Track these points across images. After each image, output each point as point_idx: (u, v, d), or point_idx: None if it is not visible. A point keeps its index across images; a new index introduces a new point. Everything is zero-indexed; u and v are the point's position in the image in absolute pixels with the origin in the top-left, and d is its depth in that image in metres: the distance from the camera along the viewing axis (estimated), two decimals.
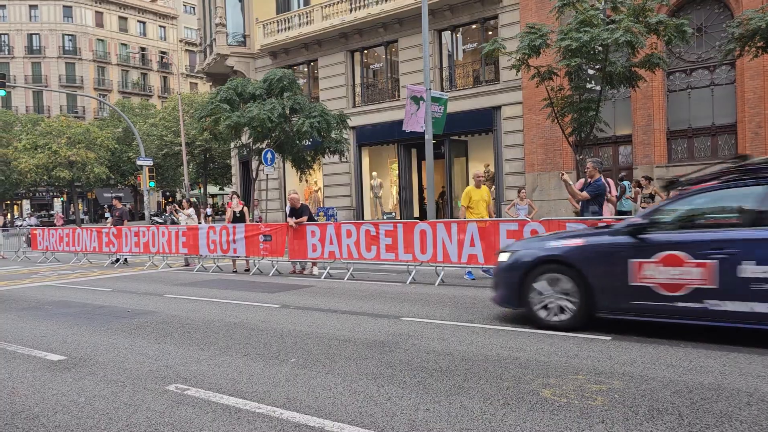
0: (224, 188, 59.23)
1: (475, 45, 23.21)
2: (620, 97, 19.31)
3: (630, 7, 14.02)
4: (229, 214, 15.47)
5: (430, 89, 16.26)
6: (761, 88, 17.24)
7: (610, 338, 6.12)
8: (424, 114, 16.37)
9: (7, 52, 63.75)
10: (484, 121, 22.53)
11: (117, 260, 17.70)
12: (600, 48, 13.66)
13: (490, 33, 22.20)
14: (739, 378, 4.68)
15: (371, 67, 27.08)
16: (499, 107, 22.11)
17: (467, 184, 24.82)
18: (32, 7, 64.56)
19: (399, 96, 24.39)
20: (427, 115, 16.19)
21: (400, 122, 17.83)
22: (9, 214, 51.04)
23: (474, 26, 23.23)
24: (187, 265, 16.33)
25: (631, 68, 14.73)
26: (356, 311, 8.32)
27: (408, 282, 11.09)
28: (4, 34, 64.05)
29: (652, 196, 12.96)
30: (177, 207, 18.63)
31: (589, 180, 10.02)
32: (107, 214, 43.80)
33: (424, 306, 8.58)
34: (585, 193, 9.93)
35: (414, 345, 6.13)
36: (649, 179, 13.72)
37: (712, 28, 18.48)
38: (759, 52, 13.91)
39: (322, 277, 12.54)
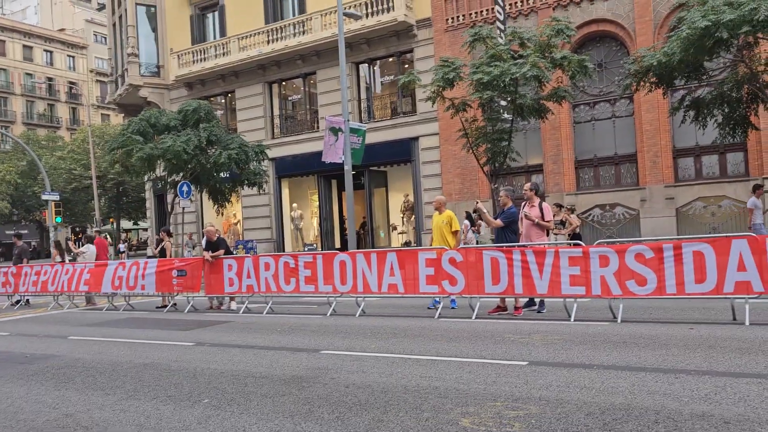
0: (138, 223, 57.01)
1: (392, 77, 23.64)
2: (531, 128, 20.11)
3: (536, 44, 14.72)
4: (165, 249, 14.64)
5: (348, 120, 16.38)
6: (656, 121, 18.42)
7: (526, 363, 6.21)
8: (342, 145, 16.44)
9: None
10: (402, 152, 22.86)
11: (18, 302, 16.56)
12: (510, 81, 14.21)
13: (407, 66, 22.69)
14: (647, 397, 4.83)
15: (290, 98, 27.03)
16: (416, 138, 22.52)
17: (388, 214, 25.07)
18: None
19: (318, 127, 24.42)
20: (346, 146, 16.27)
21: (319, 153, 17.82)
22: None
23: (391, 59, 23.69)
24: (92, 304, 15.48)
25: (539, 101, 15.41)
26: (274, 346, 8.09)
27: (329, 314, 10.94)
28: None
29: (563, 222, 13.48)
30: (72, 244, 17.38)
31: (503, 208, 10.29)
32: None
33: (344, 338, 8.45)
34: (499, 221, 10.16)
35: (333, 379, 5.99)
36: (559, 206, 14.28)
37: (611, 64, 19.65)
38: (652, 87, 14.89)
39: (241, 312, 12.18)
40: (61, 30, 71.37)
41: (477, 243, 14.38)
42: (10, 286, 16.09)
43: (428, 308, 10.81)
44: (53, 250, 16.70)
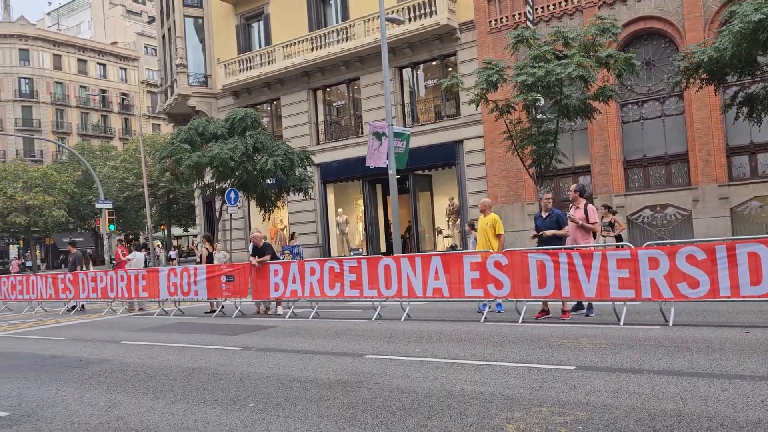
0: (188, 229, 58.38)
1: (435, 81, 23.58)
2: (577, 128, 19.75)
3: (581, 43, 14.47)
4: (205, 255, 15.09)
5: (392, 125, 16.41)
6: (708, 118, 17.82)
7: (574, 368, 6.09)
8: (386, 149, 16.49)
9: None
10: (446, 155, 22.76)
11: (74, 307, 17.14)
12: (554, 82, 14.01)
13: (450, 69, 22.60)
14: (699, 403, 4.67)
15: (334, 104, 27.25)
16: (461, 141, 22.39)
17: (433, 218, 24.99)
18: None
19: (362, 132, 24.53)
20: (390, 150, 16.30)
21: (364, 158, 17.89)
22: None
23: (434, 63, 23.64)
24: (132, 310, 15.88)
25: (585, 101, 15.13)
26: (320, 350, 8.16)
27: (373, 318, 10.96)
28: None
29: (611, 225, 13.16)
30: (123, 250, 17.62)
31: (546, 211, 10.16)
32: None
33: (388, 342, 8.45)
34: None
35: (377, 383, 6.00)
36: (608, 208, 13.94)
37: (660, 61, 19.12)
38: (703, 84, 14.42)
39: (287, 316, 12.32)
40: (114, 43, 73.86)
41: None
42: (70, 292, 16.67)
43: (477, 312, 10.69)
44: (129, 255, 17.28)
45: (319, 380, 6.31)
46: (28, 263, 54.16)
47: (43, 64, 65.59)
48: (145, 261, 20.08)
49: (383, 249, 24.82)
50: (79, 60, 68.88)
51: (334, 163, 25.53)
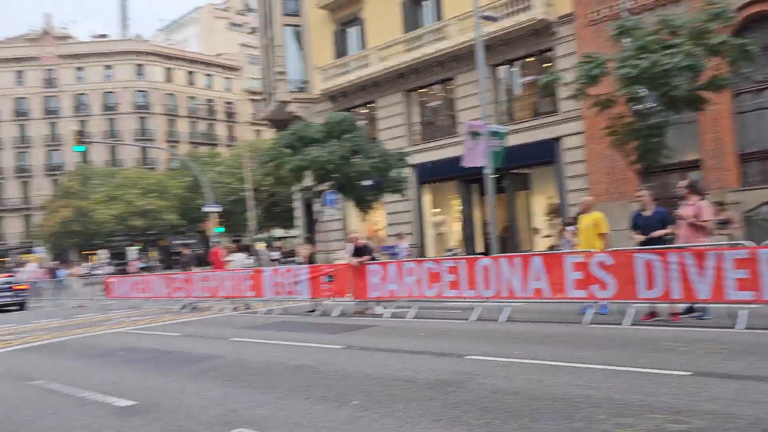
0: (289, 231, 60.34)
1: (532, 77, 23.07)
2: (685, 121, 18.66)
3: (690, 30, 13.67)
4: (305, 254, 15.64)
5: (488, 124, 16.22)
6: None
7: (689, 374, 5.77)
8: (482, 149, 16.32)
9: (85, 111, 67.90)
10: (544, 153, 22.21)
11: (185, 305, 18.15)
12: (660, 73, 13.32)
13: (547, 65, 22.03)
14: None
15: (429, 104, 27.30)
16: (559, 138, 21.78)
17: (531, 218, 24.46)
18: (107, 67, 68.84)
19: (458, 132, 24.40)
20: (487, 149, 16.11)
21: (459, 158, 17.80)
22: (82, 264, 53.30)
23: (530, 59, 23.13)
24: (246, 307, 16.56)
25: (694, 92, 14.27)
26: (419, 350, 8.19)
27: (472, 319, 10.87)
28: (83, 94, 68.39)
29: (725, 222, 12.31)
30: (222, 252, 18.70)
31: (648, 212, 9.71)
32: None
33: (489, 343, 8.36)
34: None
35: (479, 384, 5.94)
36: (720, 204, 13.06)
37: None
38: None
39: (385, 316, 12.46)
40: (219, 55, 77.73)
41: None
42: (183, 291, 17.71)
43: (580, 313, 10.34)
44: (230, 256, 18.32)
45: (420, 380, 6.33)
46: (145, 264, 58.01)
47: (155, 77, 70.22)
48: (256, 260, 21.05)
49: (480, 249, 24.56)
50: (187, 72, 73.19)
51: (429, 164, 25.55)
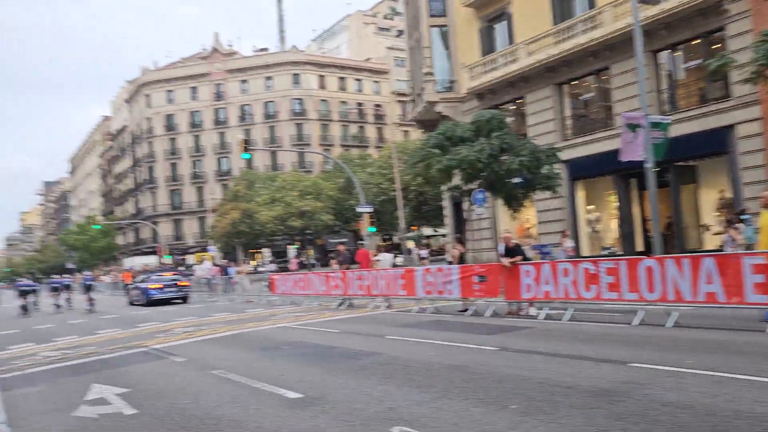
0: (437, 229, 60.82)
1: (698, 62, 21.27)
2: None
3: None
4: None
5: (648, 114, 15.23)
6: None
7: None
8: (642, 141, 15.34)
9: (249, 120, 73.52)
10: (714, 143, 20.39)
11: (342, 302, 18.94)
12: None
13: (716, 47, 20.20)
14: None
15: (581, 97, 26.16)
16: (731, 126, 19.88)
17: (698, 214, 22.56)
18: (267, 78, 74.05)
19: (613, 125, 23.15)
20: (647, 142, 15.13)
21: (615, 152, 16.88)
22: (250, 262, 57.62)
23: (695, 42, 21.34)
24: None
25: None
26: (578, 355, 7.89)
27: (634, 323, 10.27)
28: (247, 104, 74.17)
29: None
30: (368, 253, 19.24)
31: None
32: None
33: (654, 350, 7.85)
34: None
35: (646, 395, 5.61)
36: None
37: None
38: None
39: (540, 317, 12.15)
40: (367, 59, 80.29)
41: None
42: (340, 289, 18.54)
43: (763, 321, 9.37)
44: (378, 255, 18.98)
45: (581, 387, 6.10)
46: (304, 261, 61.41)
47: (310, 85, 74.27)
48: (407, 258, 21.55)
49: (639, 248, 23.08)
50: (339, 78, 76.61)
51: (582, 159, 24.48)
